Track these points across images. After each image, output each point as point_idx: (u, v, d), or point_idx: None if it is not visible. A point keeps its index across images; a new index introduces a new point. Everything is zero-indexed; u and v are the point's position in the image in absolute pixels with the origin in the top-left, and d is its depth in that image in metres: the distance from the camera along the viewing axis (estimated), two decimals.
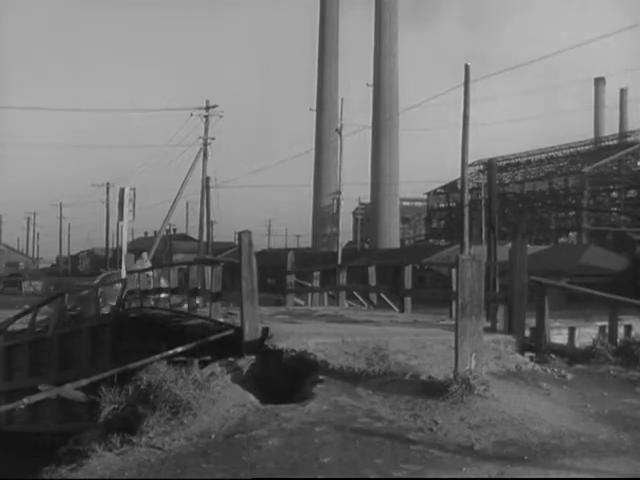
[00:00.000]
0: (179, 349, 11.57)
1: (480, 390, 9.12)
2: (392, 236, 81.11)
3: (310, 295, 21.35)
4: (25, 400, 11.63)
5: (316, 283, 20.56)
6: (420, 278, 34.30)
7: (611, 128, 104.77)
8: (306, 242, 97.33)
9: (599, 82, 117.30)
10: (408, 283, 17.02)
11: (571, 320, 16.48)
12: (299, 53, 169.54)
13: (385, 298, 21.59)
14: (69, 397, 12.76)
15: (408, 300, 17.36)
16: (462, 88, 36.82)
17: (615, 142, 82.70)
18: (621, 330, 12.40)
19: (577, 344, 12.94)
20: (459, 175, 41.45)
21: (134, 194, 61.15)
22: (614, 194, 74.81)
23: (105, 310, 20.70)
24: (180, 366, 9.93)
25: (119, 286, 20.53)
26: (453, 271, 14.16)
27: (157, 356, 10.95)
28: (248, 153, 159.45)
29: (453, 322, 10.45)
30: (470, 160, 43.74)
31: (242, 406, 9.25)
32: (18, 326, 23.19)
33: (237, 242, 18.94)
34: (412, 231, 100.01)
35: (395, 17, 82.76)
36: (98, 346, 18.75)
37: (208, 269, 16.11)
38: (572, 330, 13.37)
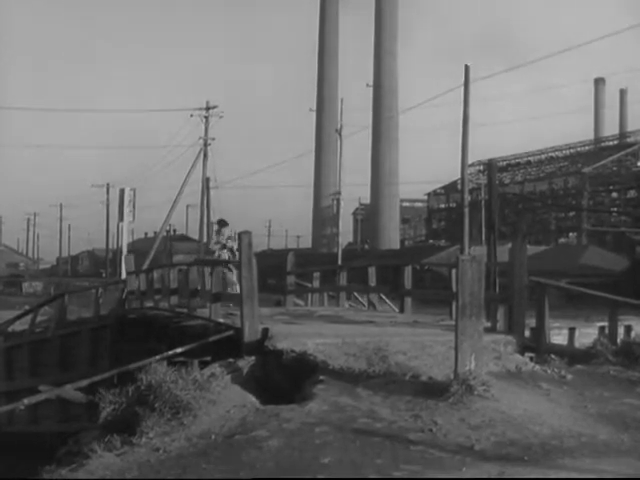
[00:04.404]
0: (179, 350, 11.57)
1: (480, 390, 9.13)
2: (392, 237, 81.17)
3: (310, 296, 21.32)
4: (25, 401, 11.63)
5: (316, 284, 20.54)
6: (420, 278, 34.31)
7: (611, 128, 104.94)
8: (306, 243, 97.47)
9: (599, 82, 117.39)
10: (408, 283, 17.00)
11: (571, 320, 16.50)
12: (299, 53, 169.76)
13: (385, 299, 21.59)
14: (69, 398, 12.75)
15: (408, 300, 17.35)
16: (461, 88, 36.91)
17: (615, 142, 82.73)
18: (621, 330, 12.39)
19: (577, 344, 12.92)
20: (459, 175, 41.50)
21: (134, 195, 61.54)
22: (614, 194, 74.82)
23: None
24: (180, 367, 9.93)
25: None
26: (453, 271, 14.14)
27: (157, 357, 10.95)
28: (248, 153, 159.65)
29: (453, 322, 10.44)
30: (470, 160, 43.78)
31: (242, 407, 9.25)
32: (18, 327, 23.19)
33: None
34: (412, 232, 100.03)
35: (395, 16, 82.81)
36: (98, 347, 18.73)
37: (208, 270, 16.07)
38: (572, 330, 13.34)
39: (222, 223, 19.82)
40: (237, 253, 15.50)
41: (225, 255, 18.51)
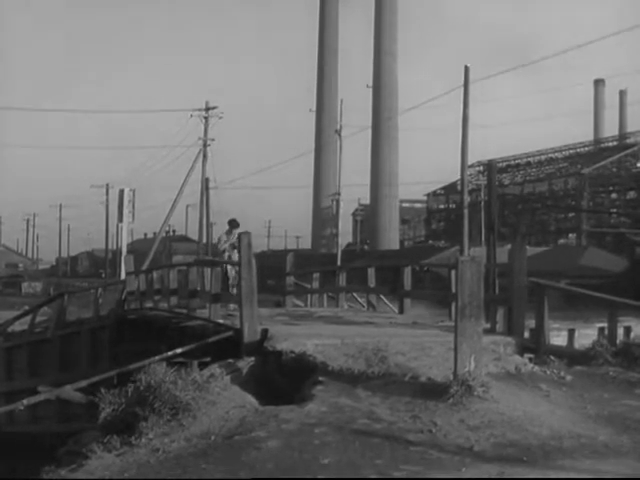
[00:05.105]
0: (178, 350, 11.58)
1: (479, 391, 9.13)
2: (391, 237, 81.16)
3: (309, 296, 21.33)
4: (25, 401, 11.64)
5: (315, 284, 20.55)
6: (419, 279, 34.34)
7: (610, 129, 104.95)
8: (306, 243, 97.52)
9: (599, 83, 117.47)
10: (407, 284, 17.01)
11: (570, 321, 16.50)
12: (299, 53, 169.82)
13: (384, 299, 21.58)
14: (69, 398, 12.73)
15: (407, 301, 17.35)
16: (462, 89, 36.93)
17: (615, 143, 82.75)
18: (620, 331, 12.38)
19: (576, 345, 12.92)
20: (459, 176, 41.55)
21: (133, 195, 61.48)
22: (614, 195, 74.88)
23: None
24: (179, 367, 9.94)
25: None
26: (452, 272, 14.17)
27: (157, 357, 10.96)
28: (248, 154, 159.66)
29: (452, 323, 10.45)
30: (470, 161, 43.85)
31: (241, 407, 9.25)
32: (18, 327, 23.19)
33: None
34: (412, 232, 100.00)
35: (395, 18, 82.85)
36: (98, 347, 18.75)
37: (207, 270, 16.07)
38: (571, 331, 13.34)
39: (233, 223, 19.31)
40: None
41: (235, 256, 18.23)
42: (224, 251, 19.07)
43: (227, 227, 19.68)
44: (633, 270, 46.51)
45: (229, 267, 17.22)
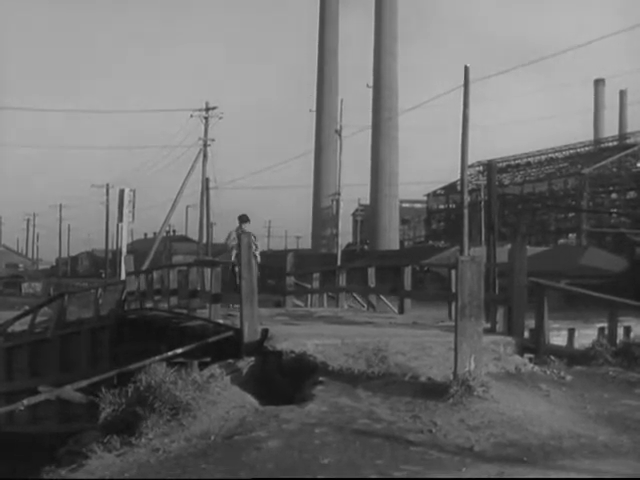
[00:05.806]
0: (179, 350, 11.59)
1: (479, 391, 9.13)
2: (391, 237, 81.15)
3: (310, 296, 21.34)
4: (25, 401, 11.64)
5: (316, 284, 20.55)
6: (420, 279, 34.32)
7: (610, 129, 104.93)
8: (306, 243, 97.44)
9: (599, 83, 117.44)
10: (407, 284, 17.02)
11: (570, 321, 16.49)
12: (299, 53, 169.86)
13: (384, 299, 21.59)
14: (69, 398, 12.73)
15: (407, 301, 17.37)
16: (462, 89, 36.94)
17: (615, 143, 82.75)
18: (620, 331, 12.39)
19: (576, 345, 12.93)
20: (459, 176, 41.56)
21: (134, 195, 61.47)
22: (614, 195, 74.88)
23: None
24: (180, 367, 9.94)
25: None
26: (452, 272, 14.18)
27: (157, 357, 10.96)
28: (248, 154, 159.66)
29: (452, 323, 10.45)
30: (470, 161, 43.85)
31: (242, 407, 9.26)
32: (18, 327, 23.21)
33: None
34: (412, 232, 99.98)
35: (395, 17, 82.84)
36: (98, 347, 18.76)
37: (208, 270, 16.07)
38: (571, 331, 13.35)
39: (243, 219, 18.30)
40: (256, 254, 15.85)
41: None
42: (233, 248, 18.55)
43: (237, 223, 19.12)
44: (633, 270, 46.49)
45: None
